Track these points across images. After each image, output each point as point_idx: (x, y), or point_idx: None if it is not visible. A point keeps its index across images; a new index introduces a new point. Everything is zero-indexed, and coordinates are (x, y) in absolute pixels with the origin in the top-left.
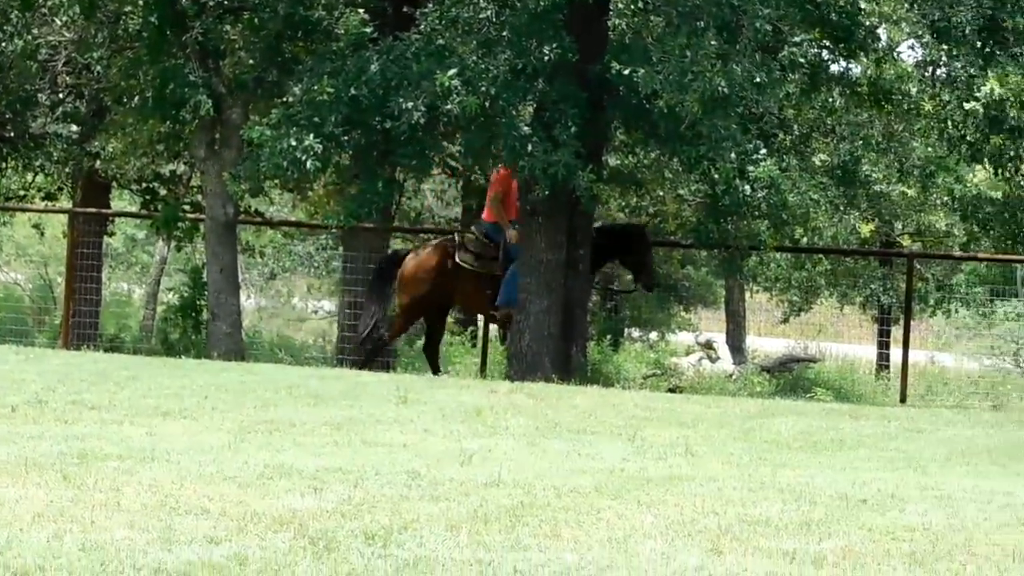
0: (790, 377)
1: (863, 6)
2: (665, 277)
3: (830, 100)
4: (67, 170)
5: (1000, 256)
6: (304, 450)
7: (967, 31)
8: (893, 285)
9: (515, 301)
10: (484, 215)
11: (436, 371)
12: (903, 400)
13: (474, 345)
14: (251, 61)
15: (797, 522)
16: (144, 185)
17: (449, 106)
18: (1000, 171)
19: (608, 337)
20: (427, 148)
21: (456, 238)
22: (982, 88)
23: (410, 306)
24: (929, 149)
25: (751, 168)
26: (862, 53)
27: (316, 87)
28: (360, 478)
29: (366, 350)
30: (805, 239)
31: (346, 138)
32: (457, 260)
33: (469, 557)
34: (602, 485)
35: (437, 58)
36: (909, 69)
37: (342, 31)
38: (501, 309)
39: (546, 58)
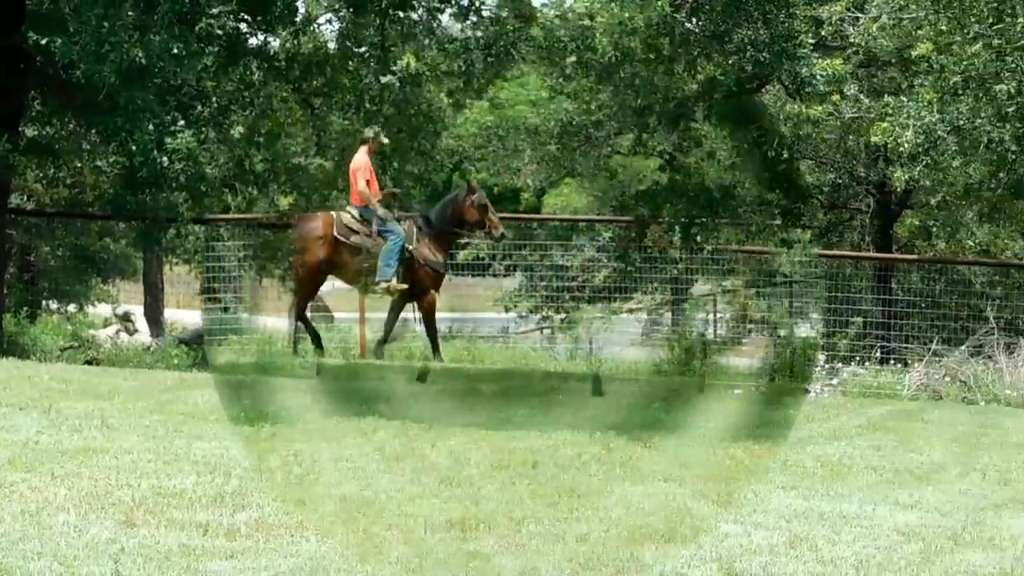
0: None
1: None
2: (83, 249)
3: (248, 73)
4: None
5: None
6: None
7: (383, 4)
8: None
9: (391, 276)
10: (352, 199)
11: (317, 341)
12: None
13: None
14: None
15: (212, 494)
16: None
17: None
18: None
19: (25, 308)
20: None
21: (335, 215)
22: (398, 62)
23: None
24: (346, 123)
25: (169, 140)
26: (280, 27)
27: None
28: None
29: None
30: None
31: None
32: (335, 233)
33: None
34: (15, 458)
35: None
36: (328, 43)
37: None
38: (380, 284)
39: None
